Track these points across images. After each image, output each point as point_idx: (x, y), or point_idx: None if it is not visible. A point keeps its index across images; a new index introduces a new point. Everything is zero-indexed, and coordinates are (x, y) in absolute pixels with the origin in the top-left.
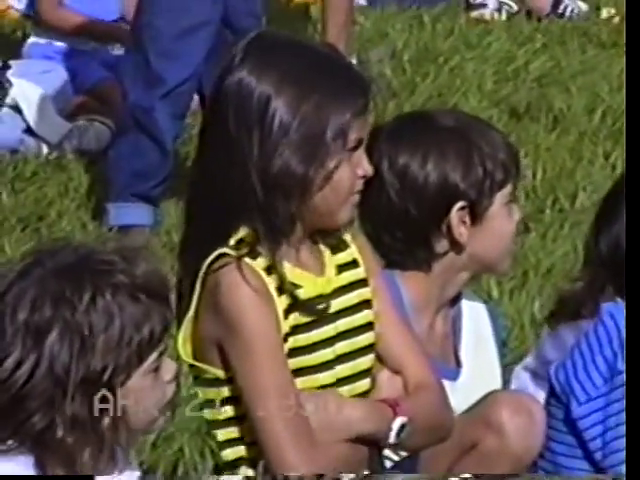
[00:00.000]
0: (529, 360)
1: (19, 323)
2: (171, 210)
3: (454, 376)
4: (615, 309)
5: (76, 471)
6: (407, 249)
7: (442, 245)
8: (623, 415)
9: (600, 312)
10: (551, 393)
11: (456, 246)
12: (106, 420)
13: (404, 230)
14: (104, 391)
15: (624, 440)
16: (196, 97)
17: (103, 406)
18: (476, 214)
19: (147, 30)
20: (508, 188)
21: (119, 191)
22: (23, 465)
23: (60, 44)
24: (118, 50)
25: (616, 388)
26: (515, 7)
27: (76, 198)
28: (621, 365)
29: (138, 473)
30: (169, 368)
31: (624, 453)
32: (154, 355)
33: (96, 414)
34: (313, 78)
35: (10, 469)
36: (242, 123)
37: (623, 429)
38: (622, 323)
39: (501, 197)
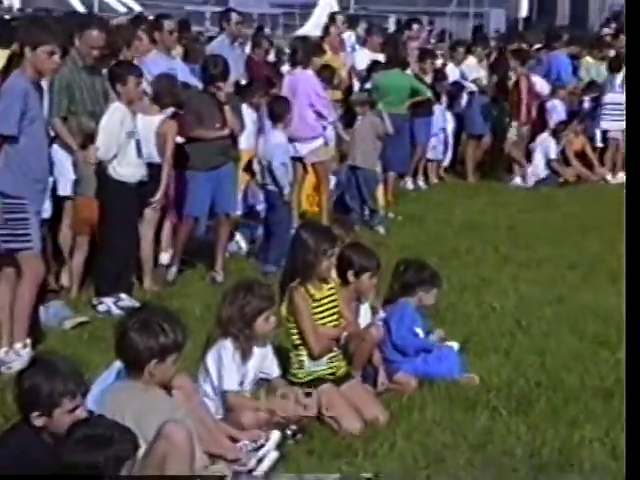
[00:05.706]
0: (379, 316)
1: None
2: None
3: None
4: (405, 302)
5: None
6: (340, 279)
7: (346, 279)
8: (411, 330)
9: (399, 304)
10: (387, 330)
11: (348, 282)
12: (247, 331)
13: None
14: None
15: (412, 337)
16: None
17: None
18: (355, 275)
19: None
20: (367, 275)
21: None
22: (230, 341)
23: None
24: None
25: (408, 328)
26: None
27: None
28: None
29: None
30: (271, 321)
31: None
32: (263, 316)
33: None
34: (318, 239)
35: (227, 343)
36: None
37: (418, 340)
38: (408, 308)
39: (367, 274)
